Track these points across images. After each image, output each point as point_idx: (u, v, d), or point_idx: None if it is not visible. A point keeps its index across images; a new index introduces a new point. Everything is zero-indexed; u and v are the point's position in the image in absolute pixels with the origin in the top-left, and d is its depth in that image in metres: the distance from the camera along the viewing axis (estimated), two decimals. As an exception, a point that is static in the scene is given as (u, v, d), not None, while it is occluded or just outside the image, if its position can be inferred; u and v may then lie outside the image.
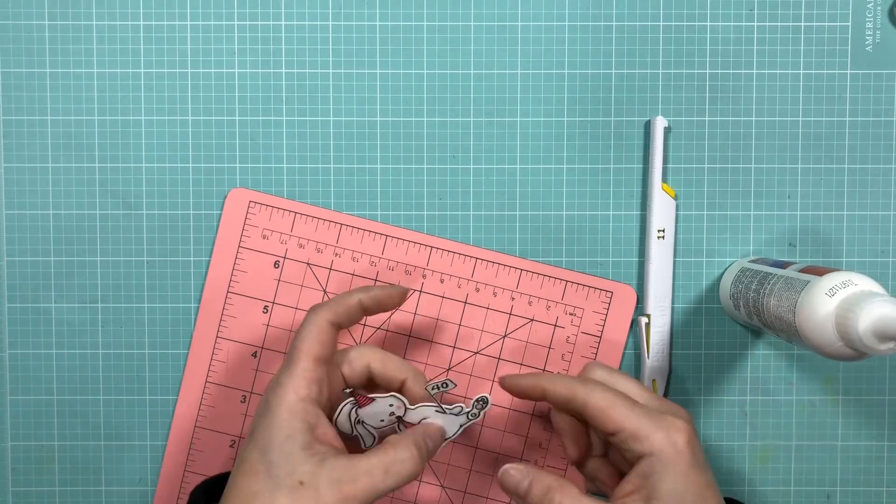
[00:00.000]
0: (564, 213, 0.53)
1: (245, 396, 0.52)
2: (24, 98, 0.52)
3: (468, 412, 0.46)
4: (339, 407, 0.45)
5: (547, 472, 0.43)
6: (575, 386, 0.43)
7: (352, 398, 0.45)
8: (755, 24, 0.52)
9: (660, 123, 0.51)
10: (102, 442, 0.53)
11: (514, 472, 0.43)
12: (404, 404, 0.45)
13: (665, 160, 0.52)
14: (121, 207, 0.52)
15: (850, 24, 0.52)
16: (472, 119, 0.52)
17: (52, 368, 0.53)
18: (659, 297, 0.52)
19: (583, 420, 0.44)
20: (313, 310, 0.45)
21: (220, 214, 0.52)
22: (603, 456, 0.47)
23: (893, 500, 0.53)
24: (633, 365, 0.53)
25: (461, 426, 0.46)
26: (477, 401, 0.46)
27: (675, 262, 0.52)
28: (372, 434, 0.46)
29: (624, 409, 0.42)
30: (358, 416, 0.45)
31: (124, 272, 0.53)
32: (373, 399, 0.45)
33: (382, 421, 0.45)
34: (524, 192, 0.53)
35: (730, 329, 0.53)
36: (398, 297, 0.47)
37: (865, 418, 0.53)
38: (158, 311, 0.53)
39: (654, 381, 0.52)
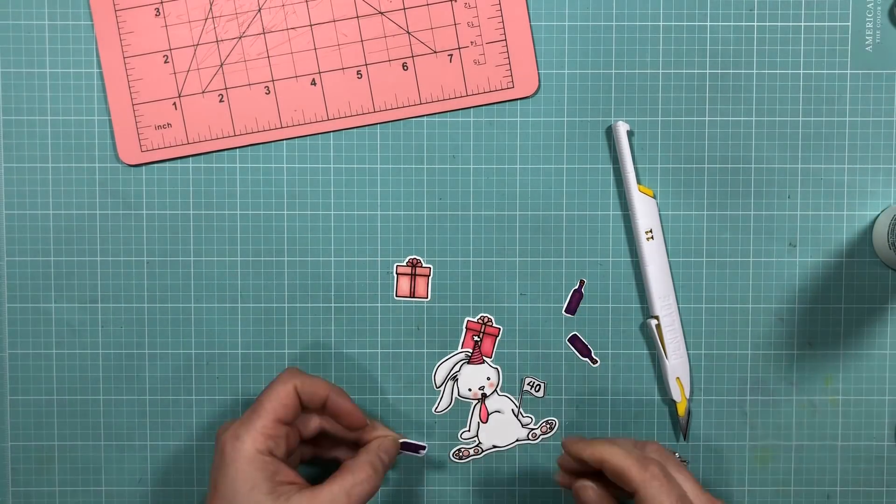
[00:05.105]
0: (564, 213, 0.53)
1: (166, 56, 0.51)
2: (24, 98, 0.52)
3: (532, 431, 0.51)
4: (453, 353, 0.50)
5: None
6: (632, 467, 0.42)
7: (468, 349, 0.50)
8: (755, 24, 0.52)
9: (622, 128, 0.51)
10: (102, 442, 0.53)
11: (592, 491, 0.45)
12: (497, 383, 0.50)
13: (635, 160, 0.52)
14: (121, 207, 0.52)
15: (850, 24, 0.52)
16: (472, 119, 0.52)
17: (52, 368, 0.53)
18: (662, 296, 0.52)
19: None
20: (289, 372, 0.47)
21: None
22: None
23: (893, 500, 0.53)
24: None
25: (517, 440, 0.51)
26: (545, 421, 0.51)
27: (669, 260, 0.52)
28: (450, 397, 0.50)
29: None
30: (459, 372, 0.50)
31: (124, 272, 0.53)
32: (483, 361, 0.50)
33: (470, 390, 0.50)
34: (524, 192, 0.53)
35: (730, 329, 0.53)
36: (356, 422, 0.48)
37: (865, 418, 0.53)
38: (158, 311, 0.53)
39: (677, 378, 0.52)
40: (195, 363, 0.53)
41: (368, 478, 0.45)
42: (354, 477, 0.45)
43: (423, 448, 0.50)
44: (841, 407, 0.53)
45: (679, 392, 0.52)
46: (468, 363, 0.50)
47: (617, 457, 0.43)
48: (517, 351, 0.53)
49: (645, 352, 0.53)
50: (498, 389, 0.50)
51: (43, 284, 0.52)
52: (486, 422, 0.51)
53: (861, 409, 0.53)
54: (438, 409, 0.50)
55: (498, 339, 0.53)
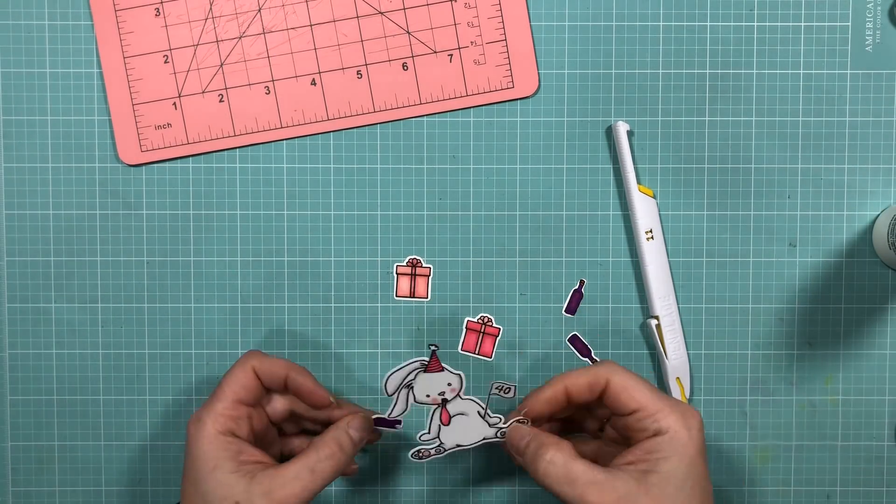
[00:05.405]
0: (564, 213, 0.53)
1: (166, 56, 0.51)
2: (24, 98, 0.52)
3: (501, 430, 0.47)
4: (406, 363, 0.46)
5: (547, 433, 0.45)
6: (595, 370, 0.46)
7: (421, 361, 0.46)
8: (755, 24, 0.52)
9: (622, 128, 0.51)
10: (102, 442, 0.53)
11: (516, 431, 0.46)
12: (460, 388, 0.46)
13: (635, 160, 0.52)
14: (121, 207, 0.52)
15: (850, 24, 0.52)
16: (472, 119, 0.52)
17: (52, 368, 0.53)
18: (662, 296, 0.52)
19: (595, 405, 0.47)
20: (249, 354, 0.47)
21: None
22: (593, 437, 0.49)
23: (893, 500, 0.53)
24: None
25: (484, 438, 0.47)
26: (517, 420, 0.47)
27: (669, 260, 0.52)
28: (405, 403, 0.47)
29: (645, 390, 0.44)
30: (414, 379, 0.46)
31: (124, 272, 0.53)
32: (443, 368, 0.46)
33: (428, 396, 0.46)
34: (524, 192, 0.53)
35: (730, 329, 0.53)
36: (318, 400, 0.47)
37: (865, 418, 0.53)
38: (158, 311, 0.53)
39: (677, 378, 0.52)
40: (195, 363, 0.53)
41: (333, 454, 0.45)
42: (319, 453, 0.45)
43: (399, 423, 0.48)
44: (841, 407, 0.53)
45: (679, 392, 0.52)
46: (425, 371, 0.46)
47: (575, 376, 0.46)
48: (517, 351, 0.53)
49: (645, 352, 0.53)
50: (461, 394, 0.47)
51: (43, 284, 0.52)
52: (447, 424, 0.47)
53: (861, 409, 0.53)
54: (392, 415, 0.48)
55: (498, 339, 0.53)
